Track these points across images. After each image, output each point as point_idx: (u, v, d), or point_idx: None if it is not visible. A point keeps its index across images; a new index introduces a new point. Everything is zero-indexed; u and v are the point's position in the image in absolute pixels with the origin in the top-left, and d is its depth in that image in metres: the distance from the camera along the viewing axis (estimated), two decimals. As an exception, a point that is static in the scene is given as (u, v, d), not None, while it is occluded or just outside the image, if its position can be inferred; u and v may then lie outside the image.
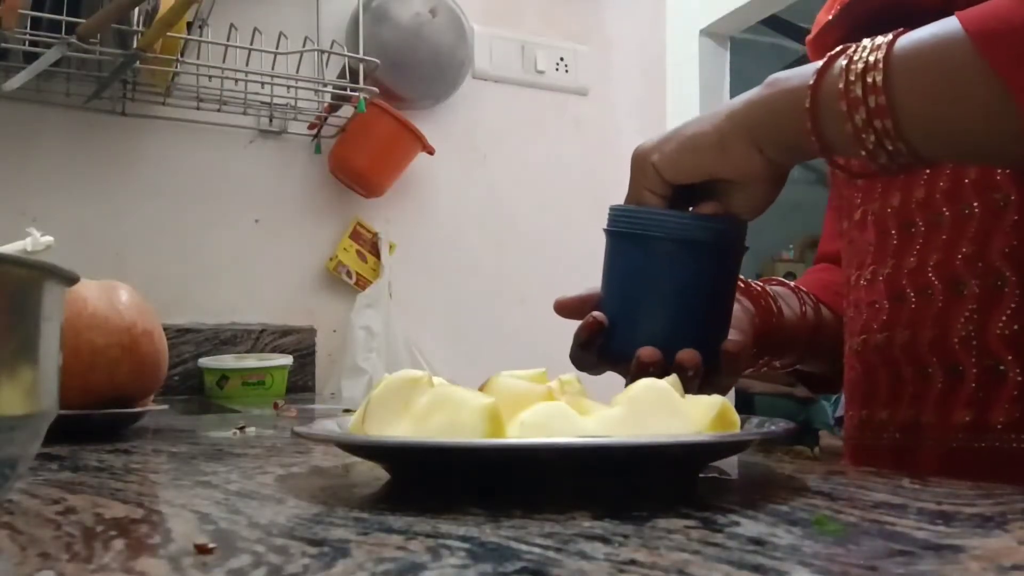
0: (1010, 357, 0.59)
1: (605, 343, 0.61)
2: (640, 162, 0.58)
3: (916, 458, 0.63)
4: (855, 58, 0.51)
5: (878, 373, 0.68)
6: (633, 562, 0.28)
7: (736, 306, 0.70)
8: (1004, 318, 0.60)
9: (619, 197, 0.61)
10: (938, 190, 0.64)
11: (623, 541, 0.31)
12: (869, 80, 0.49)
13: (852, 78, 0.50)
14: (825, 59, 0.53)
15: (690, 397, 0.48)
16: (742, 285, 0.75)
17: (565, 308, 0.64)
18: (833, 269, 0.84)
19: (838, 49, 0.53)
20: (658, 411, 0.44)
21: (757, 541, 0.31)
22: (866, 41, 0.52)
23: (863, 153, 0.51)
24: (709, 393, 0.60)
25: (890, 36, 0.51)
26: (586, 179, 2.01)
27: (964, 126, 0.50)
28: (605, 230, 0.62)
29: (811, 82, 0.52)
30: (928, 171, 0.65)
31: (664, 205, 0.58)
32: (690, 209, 0.58)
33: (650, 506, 0.37)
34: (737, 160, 0.55)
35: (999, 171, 0.61)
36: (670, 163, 0.56)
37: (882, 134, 0.50)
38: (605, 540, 0.32)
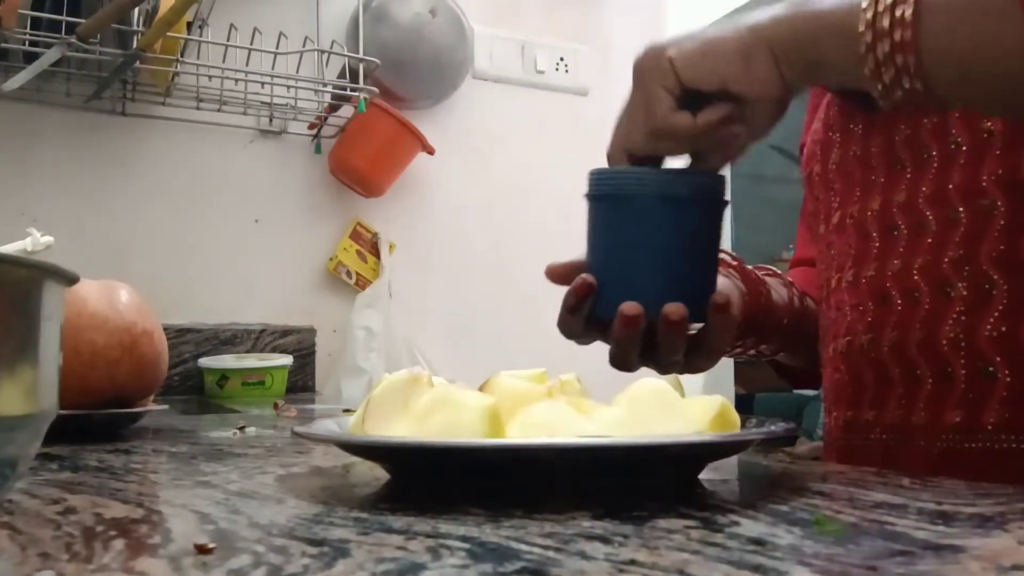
0: (999, 359, 0.59)
1: (593, 306, 0.60)
2: (655, 57, 0.55)
3: (904, 458, 0.63)
4: None
5: (864, 374, 0.67)
6: (633, 562, 0.28)
7: (728, 282, 0.71)
8: (992, 320, 0.59)
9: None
10: (920, 194, 0.63)
11: (623, 541, 0.31)
12: (897, 14, 0.49)
13: (880, 9, 0.49)
14: None
15: (690, 397, 0.48)
16: (736, 263, 0.74)
17: (555, 274, 0.64)
18: (810, 271, 0.83)
19: None
20: (658, 411, 0.44)
21: (757, 541, 0.31)
22: None
23: (878, 87, 0.51)
24: (702, 355, 0.62)
25: None
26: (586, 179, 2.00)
27: (990, 70, 0.50)
28: (587, 195, 0.62)
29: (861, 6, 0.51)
30: (909, 175, 0.64)
31: (675, 106, 0.55)
32: (695, 118, 0.55)
33: (650, 506, 0.37)
34: (757, 73, 0.53)
35: (984, 177, 0.60)
36: (689, 61, 0.54)
37: (902, 70, 0.50)
38: (605, 540, 0.32)
